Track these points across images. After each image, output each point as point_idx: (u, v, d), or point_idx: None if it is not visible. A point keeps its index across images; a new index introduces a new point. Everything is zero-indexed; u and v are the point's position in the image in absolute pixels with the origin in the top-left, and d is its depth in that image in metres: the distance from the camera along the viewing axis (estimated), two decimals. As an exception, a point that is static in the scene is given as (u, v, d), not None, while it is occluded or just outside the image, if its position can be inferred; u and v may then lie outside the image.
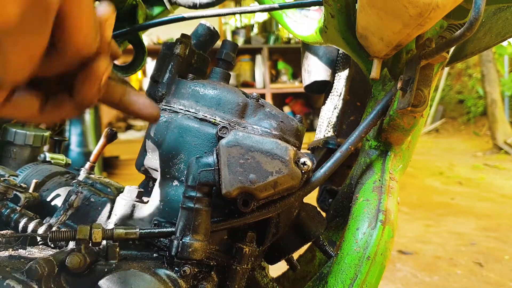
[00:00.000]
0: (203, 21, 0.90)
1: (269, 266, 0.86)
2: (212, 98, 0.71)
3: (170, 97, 0.75)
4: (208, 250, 0.64)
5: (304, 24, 0.96)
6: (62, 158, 1.06)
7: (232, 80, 4.77)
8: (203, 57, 0.86)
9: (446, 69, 8.03)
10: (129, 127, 5.81)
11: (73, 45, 0.42)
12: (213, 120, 0.70)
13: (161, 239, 0.68)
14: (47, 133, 1.09)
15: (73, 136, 3.47)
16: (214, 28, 0.90)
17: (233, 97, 0.71)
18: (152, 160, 0.73)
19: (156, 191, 0.72)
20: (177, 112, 0.73)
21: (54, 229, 0.72)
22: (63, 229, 0.67)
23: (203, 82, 0.74)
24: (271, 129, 0.70)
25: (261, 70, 6.33)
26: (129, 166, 5.11)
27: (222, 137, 0.65)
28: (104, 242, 0.65)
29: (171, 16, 0.88)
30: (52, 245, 0.72)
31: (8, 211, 0.76)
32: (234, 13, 0.87)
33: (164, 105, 0.75)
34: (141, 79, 5.67)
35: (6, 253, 0.64)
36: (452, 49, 0.92)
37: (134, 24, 1.03)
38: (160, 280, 0.60)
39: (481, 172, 5.40)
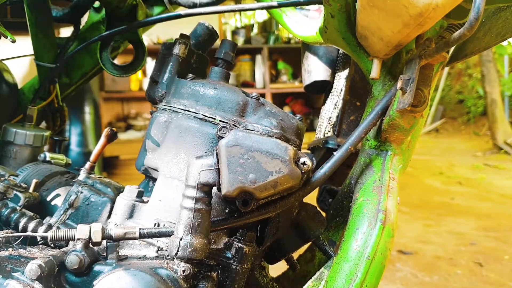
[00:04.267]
0: (202, 20, 0.90)
1: (269, 265, 0.86)
2: (212, 97, 0.71)
3: (170, 97, 0.75)
4: (208, 249, 0.64)
5: (304, 24, 0.96)
6: (62, 158, 1.06)
7: (232, 80, 4.76)
8: (202, 57, 0.86)
9: (446, 69, 8.02)
10: (129, 127, 5.80)
11: None
12: (213, 120, 0.70)
13: (161, 238, 0.68)
14: (47, 133, 1.09)
15: (73, 136, 3.46)
16: (212, 27, 0.90)
17: (233, 96, 0.71)
18: (152, 160, 0.73)
19: (156, 191, 0.72)
20: (177, 112, 0.73)
21: (54, 229, 0.72)
22: (63, 229, 0.67)
23: (202, 81, 0.74)
24: (271, 128, 0.70)
25: (261, 70, 6.33)
26: (129, 166, 5.10)
27: (222, 137, 0.65)
28: (104, 242, 0.65)
29: (167, 14, 0.88)
30: (52, 245, 0.72)
31: (8, 211, 0.76)
32: (231, 11, 0.87)
33: (164, 105, 0.75)
34: (141, 79, 5.66)
35: (6, 253, 0.64)
36: (452, 49, 0.92)
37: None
38: (160, 280, 0.60)
39: (481, 172, 5.40)
